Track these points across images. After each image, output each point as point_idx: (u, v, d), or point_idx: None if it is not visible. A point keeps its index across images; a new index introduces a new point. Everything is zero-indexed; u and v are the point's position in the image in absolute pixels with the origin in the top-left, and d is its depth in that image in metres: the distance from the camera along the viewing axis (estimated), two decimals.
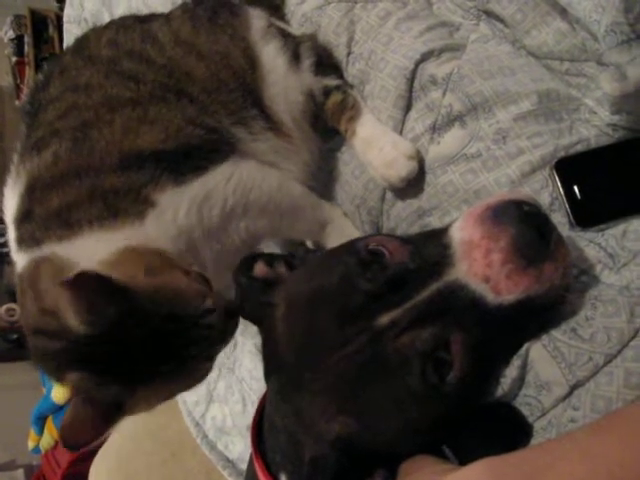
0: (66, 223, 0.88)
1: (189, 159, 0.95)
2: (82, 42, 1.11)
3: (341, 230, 1.09)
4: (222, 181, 0.96)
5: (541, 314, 0.73)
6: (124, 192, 0.89)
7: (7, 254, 0.98)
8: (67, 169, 0.91)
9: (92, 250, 0.86)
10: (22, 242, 0.91)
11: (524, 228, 0.68)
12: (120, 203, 0.88)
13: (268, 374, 0.81)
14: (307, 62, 1.09)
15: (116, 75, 1.00)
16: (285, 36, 1.12)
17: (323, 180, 1.12)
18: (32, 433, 3.25)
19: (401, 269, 0.71)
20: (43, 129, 0.98)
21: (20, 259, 0.92)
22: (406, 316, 0.68)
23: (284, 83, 1.08)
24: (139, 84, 0.99)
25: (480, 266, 0.68)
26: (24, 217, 0.92)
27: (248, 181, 0.99)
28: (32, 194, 0.92)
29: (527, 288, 0.68)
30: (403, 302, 0.68)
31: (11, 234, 0.95)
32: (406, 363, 0.66)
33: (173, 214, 0.91)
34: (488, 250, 0.68)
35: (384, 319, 0.68)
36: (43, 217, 0.89)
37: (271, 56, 1.08)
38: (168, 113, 0.97)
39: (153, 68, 1.02)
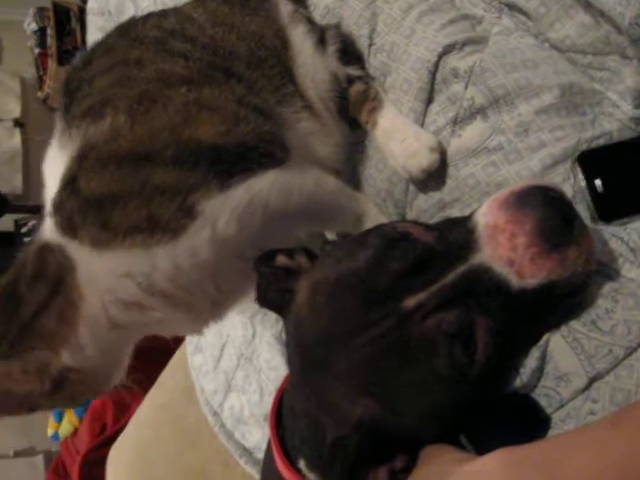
0: (104, 223, 0.87)
1: (243, 160, 0.94)
2: (127, 26, 1.12)
3: (375, 221, 1.07)
4: (266, 187, 0.94)
5: (563, 301, 0.74)
6: (172, 193, 0.87)
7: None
8: (127, 151, 0.90)
9: (111, 281, 0.88)
10: (57, 212, 0.92)
11: (548, 212, 0.69)
12: (164, 211, 0.87)
13: (290, 359, 0.82)
14: (332, 48, 1.10)
15: (165, 53, 1.01)
16: (311, 22, 1.13)
17: (348, 176, 1.12)
18: (51, 420, 3.29)
19: (428, 249, 0.72)
20: (92, 98, 0.97)
21: (49, 229, 0.93)
22: (432, 299, 0.68)
23: (312, 63, 1.09)
24: (188, 61, 0.99)
25: (505, 250, 0.69)
26: (68, 183, 0.91)
27: (289, 185, 0.97)
28: (83, 161, 0.91)
29: (550, 272, 0.68)
30: (429, 285, 0.69)
31: (51, 193, 0.95)
32: (432, 346, 0.67)
33: (211, 229, 0.89)
34: (513, 234, 0.69)
35: (410, 302, 0.69)
36: (85, 198, 0.89)
37: (300, 38, 1.10)
38: (221, 95, 0.96)
39: (198, 46, 1.02)
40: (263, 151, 0.96)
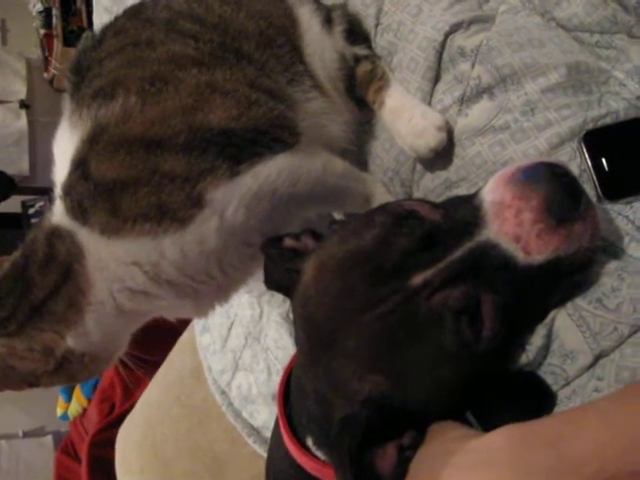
0: (113, 210, 0.87)
1: (253, 145, 0.93)
2: (138, 8, 1.10)
3: (382, 201, 1.04)
4: (274, 173, 0.93)
5: (569, 277, 0.74)
6: (181, 181, 0.87)
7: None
8: (138, 135, 0.89)
9: (119, 269, 0.89)
10: (67, 196, 0.92)
11: (555, 188, 0.69)
12: (173, 199, 0.87)
13: (298, 338, 0.82)
14: (339, 28, 1.10)
15: (176, 34, 1.00)
16: (317, 1, 1.14)
17: (355, 156, 1.12)
18: (61, 400, 3.33)
19: (435, 226, 0.73)
20: (103, 78, 0.97)
21: (60, 212, 0.93)
22: (439, 276, 0.69)
23: (319, 42, 1.09)
24: (199, 42, 0.98)
25: (511, 226, 0.69)
26: (78, 166, 0.91)
27: (297, 170, 0.96)
28: (94, 144, 0.91)
29: (557, 248, 0.69)
30: (436, 262, 0.69)
31: (61, 173, 0.95)
32: (439, 322, 0.67)
33: (219, 218, 0.89)
34: (519, 210, 0.69)
35: (417, 279, 0.69)
36: (96, 183, 0.88)
37: (307, 17, 1.10)
38: (232, 77, 0.95)
39: (207, 27, 1.01)
40: (274, 135, 0.95)
